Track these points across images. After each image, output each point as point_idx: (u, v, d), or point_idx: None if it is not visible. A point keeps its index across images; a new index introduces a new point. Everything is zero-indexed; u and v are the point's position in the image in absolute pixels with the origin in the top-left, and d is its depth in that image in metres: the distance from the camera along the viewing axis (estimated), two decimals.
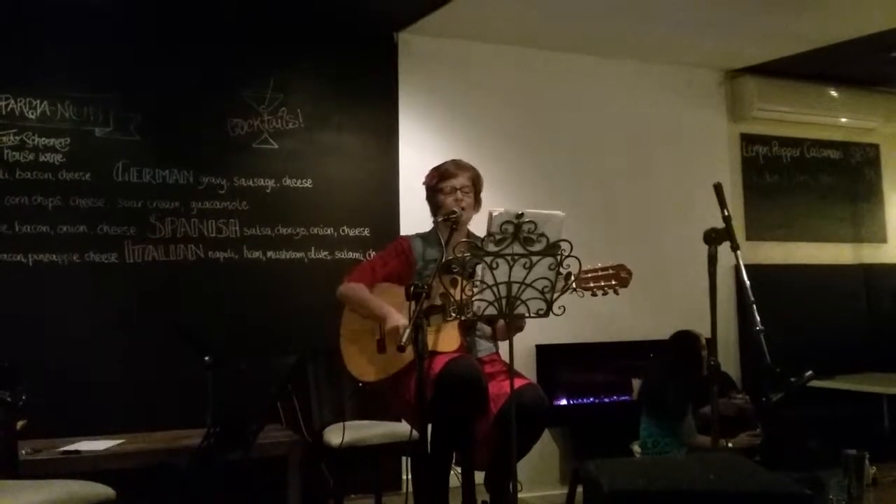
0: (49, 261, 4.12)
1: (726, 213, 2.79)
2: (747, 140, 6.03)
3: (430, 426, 2.85)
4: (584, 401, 5.19)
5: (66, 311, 4.11)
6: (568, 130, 5.37)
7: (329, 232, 4.66)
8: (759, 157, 6.07)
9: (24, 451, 3.45)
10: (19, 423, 3.26)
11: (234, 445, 3.22)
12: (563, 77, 5.38)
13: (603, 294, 2.91)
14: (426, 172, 3.32)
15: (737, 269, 2.73)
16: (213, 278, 4.39)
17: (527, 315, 2.62)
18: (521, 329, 2.88)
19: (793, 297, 5.73)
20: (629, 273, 2.92)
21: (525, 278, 2.53)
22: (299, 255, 4.59)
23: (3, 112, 4.11)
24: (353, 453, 3.77)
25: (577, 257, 2.57)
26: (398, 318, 2.99)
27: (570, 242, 2.52)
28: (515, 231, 2.47)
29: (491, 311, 2.57)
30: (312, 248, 4.62)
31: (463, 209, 3.17)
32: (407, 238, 3.35)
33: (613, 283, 2.90)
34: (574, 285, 2.83)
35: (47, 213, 4.13)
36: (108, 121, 4.28)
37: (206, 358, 3.72)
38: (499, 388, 2.94)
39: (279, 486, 3.78)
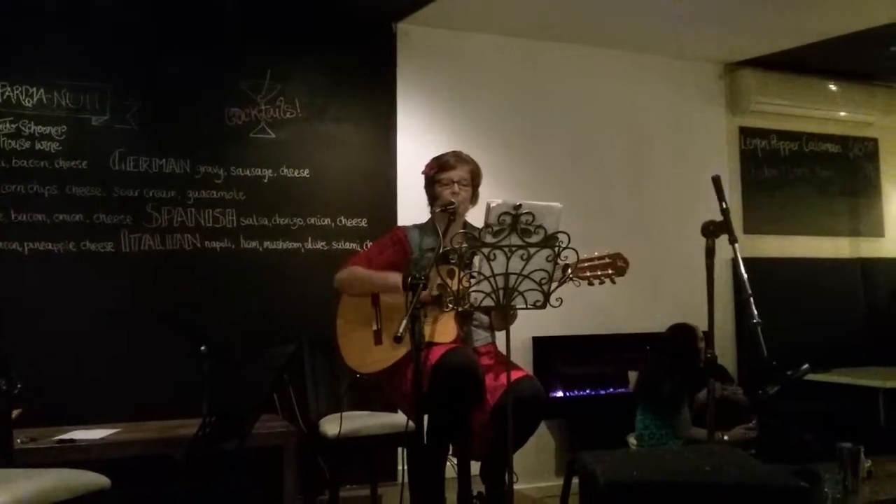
0: (45, 249, 4.11)
1: (724, 206, 2.79)
2: (746, 133, 6.02)
3: (426, 417, 2.85)
4: (581, 393, 5.20)
5: (62, 300, 4.10)
6: (566, 122, 5.36)
7: (326, 222, 4.65)
8: (757, 151, 6.06)
9: (19, 440, 3.45)
10: (15, 412, 3.26)
11: (230, 435, 3.21)
12: (562, 68, 5.36)
13: (599, 283, 2.91)
14: (424, 163, 3.31)
15: (734, 262, 2.73)
16: (209, 268, 4.38)
17: (524, 306, 2.62)
18: (514, 318, 2.88)
19: (790, 291, 5.73)
20: (626, 262, 2.92)
21: (522, 270, 2.53)
22: (296, 245, 4.58)
23: (0, 100, 4.10)
24: (349, 444, 3.78)
25: (574, 249, 2.57)
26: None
27: (567, 234, 2.52)
28: (513, 222, 2.47)
29: (488, 302, 2.57)
30: (309, 239, 4.61)
31: (459, 202, 3.16)
32: (403, 228, 3.35)
33: (610, 271, 2.90)
34: (571, 275, 2.83)
35: (43, 201, 4.11)
36: (104, 109, 4.26)
37: (202, 347, 3.72)
38: (495, 380, 2.94)
39: (275, 476, 3.78)
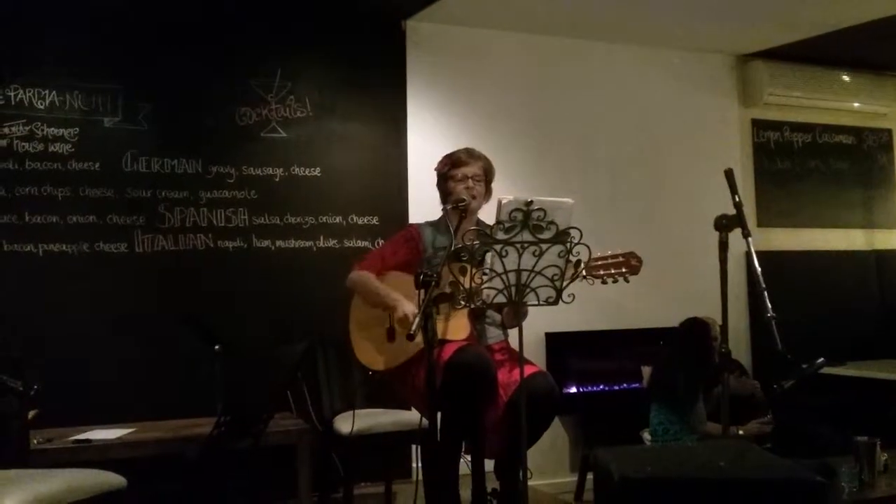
0: (59, 251, 4.13)
1: (737, 200, 2.77)
2: (758, 125, 5.98)
3: (439, 414, 2.85)
4: (595, 388, 5.18)
5: (77, 301, 4.13)
6: (578, 117, 5.34)
7: (338, 220, 4.66)
8: (770, 143, 6.02)
9: (35, 441, 3.47)
10: (31, 413, 3.28)
11: (244, 434, 3.23)
12: (573, 63, 5.34)
13: (613, 282, 2.90)
14: (435, 160, 3.32)
15: (748, 255, 2.71)
16: (222, 267, 4.40)
17: (537, 303, 2.61)
18: (525, 315, 2.88)
19: (804, 284, 5.70)
20: (639, 260, 2.91)
21: (534, 266, 2.53)
22: (308, 243, 4.59)
23: (13, 102, 4.12)
24: (362, 441, 3.80)
25: (586, 245, 2.56)
26: (407, 306, 2.99)
27: (579, 230, 2.51)
28: (525, 219, 2.46)
29: (500, 299, 2.56)
30: (321, 237, 4.62)
31: (473, 198, 3.16)
32: (416, 226, 3.35)
33: (623, 270, 2.88)
34: (584, 273, 2.82)
35: (57, 203, 4.14)
36: (116, 111, 4.28)
37: (216, 347, 3.74)
38: (509, 376, 2.94)
39: (289, 474, 3.79)
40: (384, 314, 3.13)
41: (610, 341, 5.26)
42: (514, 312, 2.79)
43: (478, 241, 2.53)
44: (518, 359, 2.71)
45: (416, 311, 2.78)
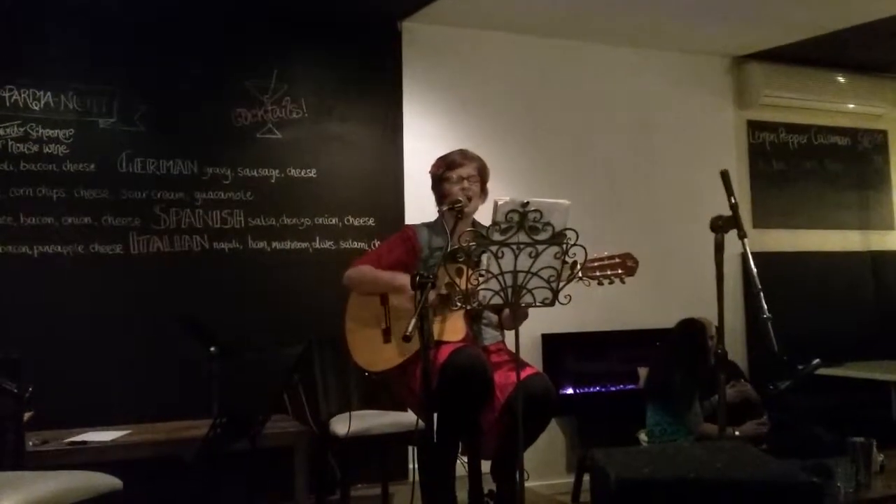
0: (54, 252, 4.12)
1: (733, 201, 2.77)
2: (754, 127, 5.99)
3: (436, 416, 2.84)
4: (591, 390, 5.19)
5: (72, 303, 4.12)
6: (574, 119, 5.35)
7: (334, 222, 4.66)
8: (765, 144, 6.03)
9: (31, 443, 3.47)
10: (26, 415, 3.27)
11: (240, 436, 3.22)
12: (569, 65, 5.35)
13: (609, 283, 2.90)
14: (430, 161, 3.32)
15: (744, 256, 2.71)
16: (218, 269, 4.40)
17: (533, 304, 2.61)
18: (525, 317, 2.88)
19: (800, 285, 5.71)
20: (635, 262, 2.91)
21: (531, 267, 2.53)
22: (304, 245, 4.59)
23: (7, 103, 4.11)
24: (359, 443, 3.79)
25: (582, 246, 2.56)
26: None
27: (575, 231, 2.51)
28: (521, 220, 2.46)
29: (496, 300, 2.56)
30: (317, 238, 4.62)
31: (469, 199, 3.16)
32: (412, 227, 3.35)
33: (620, 271, 2.88)
34: (580, 274, 2.82)
35: (52, 204, 4.13)
36: (111, 112, 4.28)
37: (212, 348, 3.74)
38: (505, 378, 2.94)
39: (286, 476, 3.79)
40: (381, 315, 3.13)
41: (606, 342, 5.26)
42: (514, 315, 2.79)
43: (474, 243, 2.53)
44: (515, 360, 2.71)
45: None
